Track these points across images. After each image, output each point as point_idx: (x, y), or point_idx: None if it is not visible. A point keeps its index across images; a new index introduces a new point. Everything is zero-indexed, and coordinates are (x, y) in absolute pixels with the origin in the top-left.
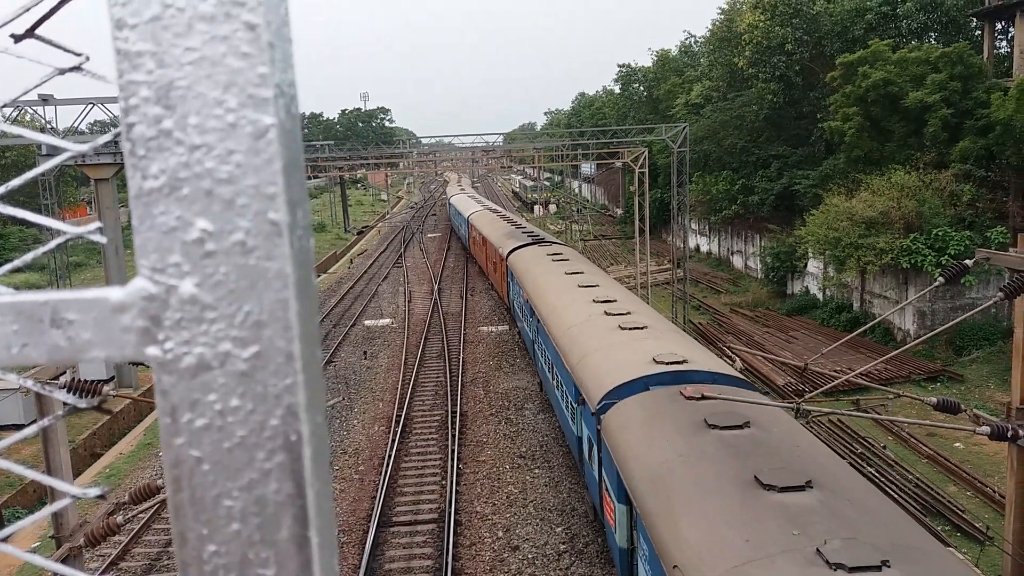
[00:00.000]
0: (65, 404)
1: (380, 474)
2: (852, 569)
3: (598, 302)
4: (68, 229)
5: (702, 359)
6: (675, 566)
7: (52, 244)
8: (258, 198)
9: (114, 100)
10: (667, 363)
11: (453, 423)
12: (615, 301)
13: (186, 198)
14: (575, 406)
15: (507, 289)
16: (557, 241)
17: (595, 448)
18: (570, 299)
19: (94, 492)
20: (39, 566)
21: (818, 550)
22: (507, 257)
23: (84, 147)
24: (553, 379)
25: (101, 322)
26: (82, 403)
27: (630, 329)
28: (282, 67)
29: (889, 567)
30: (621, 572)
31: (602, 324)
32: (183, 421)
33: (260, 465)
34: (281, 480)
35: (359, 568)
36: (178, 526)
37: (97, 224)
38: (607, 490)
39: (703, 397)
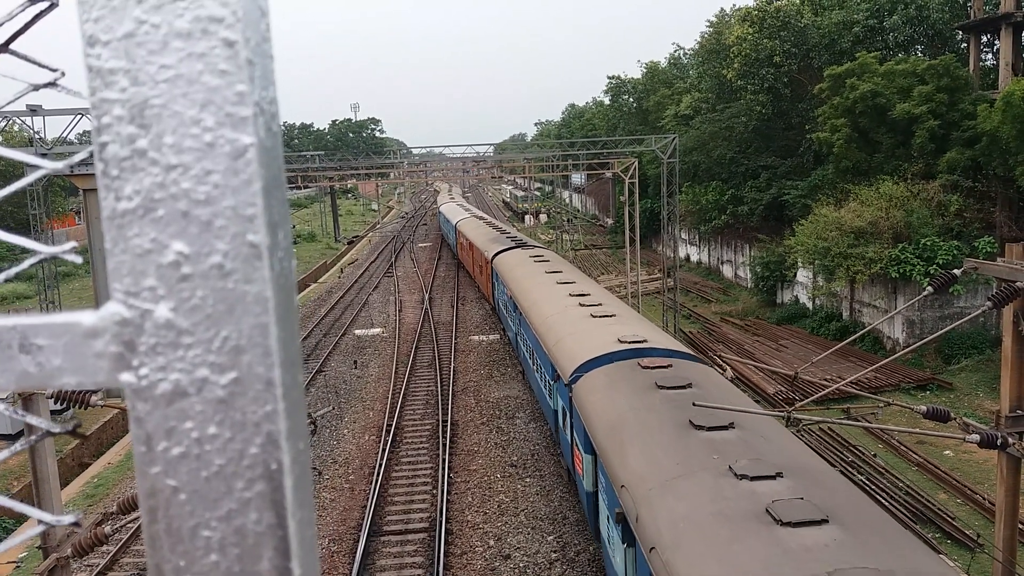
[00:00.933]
0: (40, 428)
1: (371, 483)
2: (753, 478)
3: (573, 295)
4: (42, 249)
5: (660, 340)
6: (622, 485)
7: (26, 264)
8: (237, 220)
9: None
10: (629, 342)
11: (444, 432)
12: (588, 295)
13: (161, 219)
14: (551, 383)
15: (492, 289)
16: (539, 245)
17: (568, 415)
18: (548, 294)
19: (68, 519)
20: None
21: (730, 467)
22: (492, 260)
23: (59, 164)
24: (533, 363)
25: (72, 348)
26: (56, 428)
27: (600, 317)
28: (262, 84)
29: (782, 476)
30: (587, 512)
31: (576, 313)
32: (159, 449)
33: (239, 495)
34: (261, 510)
35: None
36: (154, 558)
37: (72, 244)
38: (577, 445)
39: (657, 367)
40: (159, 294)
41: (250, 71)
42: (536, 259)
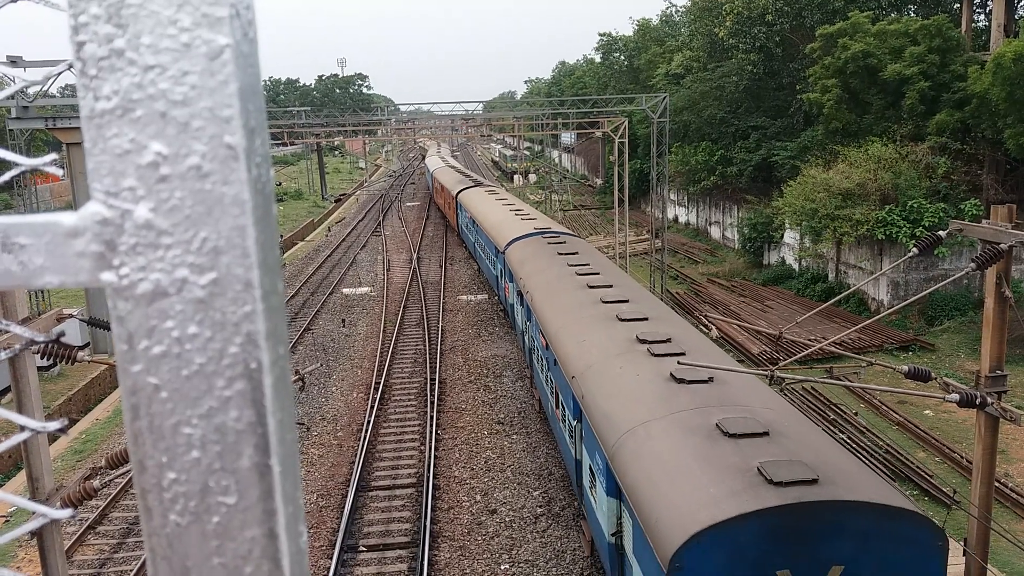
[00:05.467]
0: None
1: (359, 440)
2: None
3: (511, 210)
4: (23, 161)
5: (556, 228)
6: (528, 293)
7: (7, 176)
8: (214, 121)
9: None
10: (538, 228)
11: (432, 390)
12: (521, 209)
13: (140, 120)
14: (493, 257)
15: (456, 217)
16: (492, 184)
17: (504, 274)
18: (493, 209)
19: (53, 425)
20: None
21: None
22: (456, 195)
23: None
24: (481, 249)
25: (54, 247)
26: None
27: (525, 220)
28: None
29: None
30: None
31: (511, 217)
32: (140, 348)
33: (219, 393)
34: (241, 408)
35: (338, 531)
36: (137, 454)
37: (53, 156)
38: (507, 281)
39: (557, 243)
40: (138, 194)
41: None
42: (488, 192)
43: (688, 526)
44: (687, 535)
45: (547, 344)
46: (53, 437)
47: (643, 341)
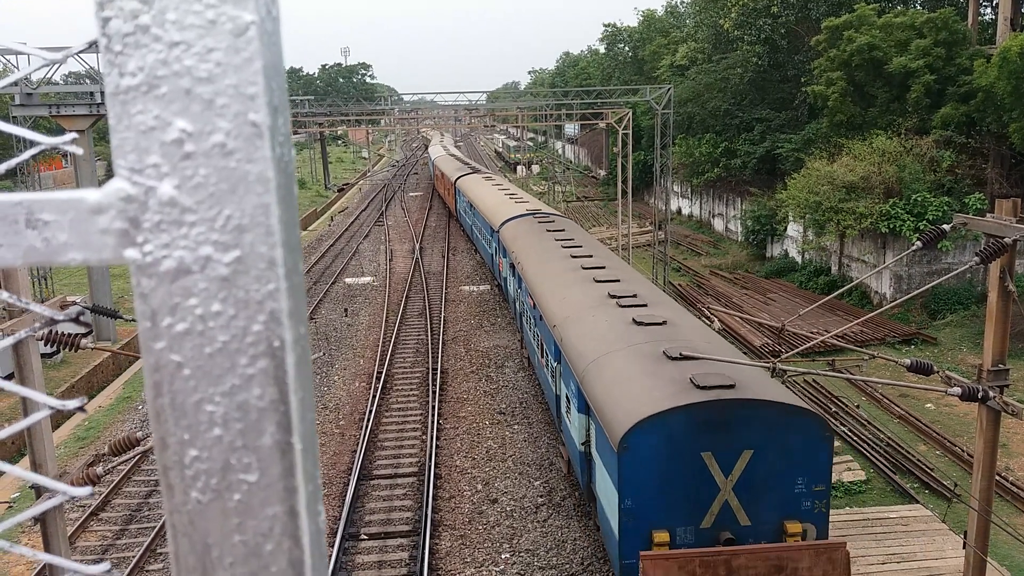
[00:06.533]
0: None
1: (361, 428)
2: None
3: (505, 194)
4: (43, 140)
5: (546, 210)
6: (517, 260)
7: (27, 155)
8: (238, 98)
9: (89, 51)
10: (528, 209)
11: (434, 380)
12: (515, 193)
13: (164, 97)
14: (488, 235)
15: (455, 203)
16: (488, 171)
17: (498, 251)
18: (488, 192)
19: (73, 404)
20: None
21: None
22: (455, 181)
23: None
24: (477, 230)
25: (78, 223)
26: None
27: (518, 202)
28: None
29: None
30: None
31: (505, 200)
32: (163, 325)
33: (242, 371)
34: (264, 386)
35: (339, 519)
36: (159, 432)
37: (73, 135)
38: (502, 258)
39: (546, 222)
40: (163, 171)
41: None
42: (485, 178)
43: (633, 417)
44: (632, 423)
45: (534, 304)
46: (66, 417)
47: (613, 296)
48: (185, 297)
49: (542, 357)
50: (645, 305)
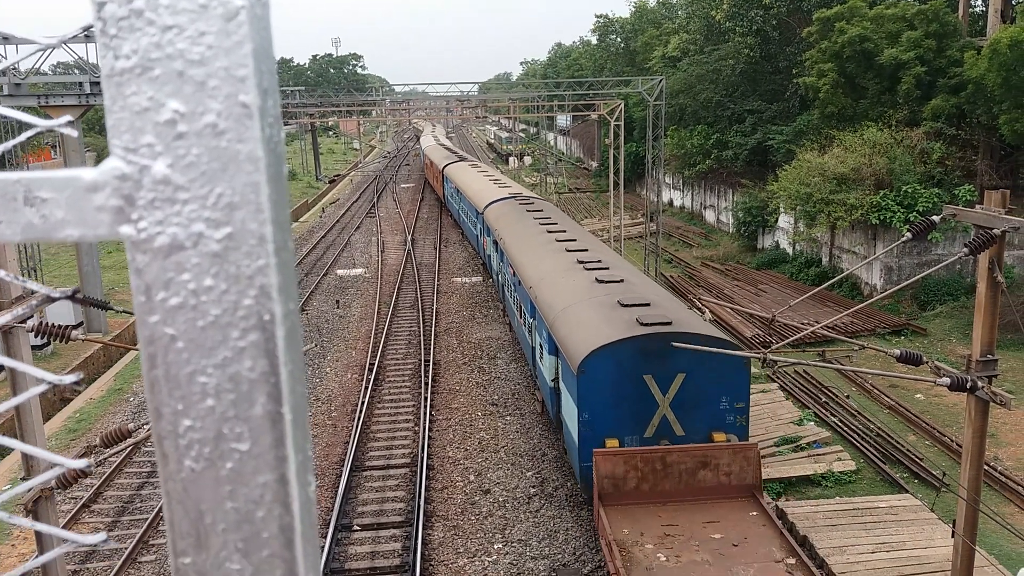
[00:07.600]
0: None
1: (353, 420)
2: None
3: (488, 179)
4: (39, 122)
5: (524, 192)
6: (499, 237)
7: (23, 137)
8: (229, 80)
9: (78, 40)
10: (509, 193)
11: (426, 371)
12: (498, 179)
13: (158, 79)
14: (474, 218)
15: (443, 188)
16: (473, 159)
17: (483, 230)
18: (473, 178)
19: (69, 379)
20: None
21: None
22: (443, 169)
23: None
24: (465, 218)
25: (75, 201)
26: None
27: (501, 187)
28: None
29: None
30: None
31: (489, 186)
32: (157, 299)
33: (234, 343)
34: (255, 358)
35: (332, 510)
36: (153, 401)
37: (68, 118)
38: (485, 237)
39: (532, 209)
40: (156, 151)
41: None
42: (471, 165)
43: (590, 346)
44: (588, 350)
45: (514, 272)
46: (63, 401)
47: (581, 263)
48: (178, 272)
49: (520, 317)
50: (607, 268)
